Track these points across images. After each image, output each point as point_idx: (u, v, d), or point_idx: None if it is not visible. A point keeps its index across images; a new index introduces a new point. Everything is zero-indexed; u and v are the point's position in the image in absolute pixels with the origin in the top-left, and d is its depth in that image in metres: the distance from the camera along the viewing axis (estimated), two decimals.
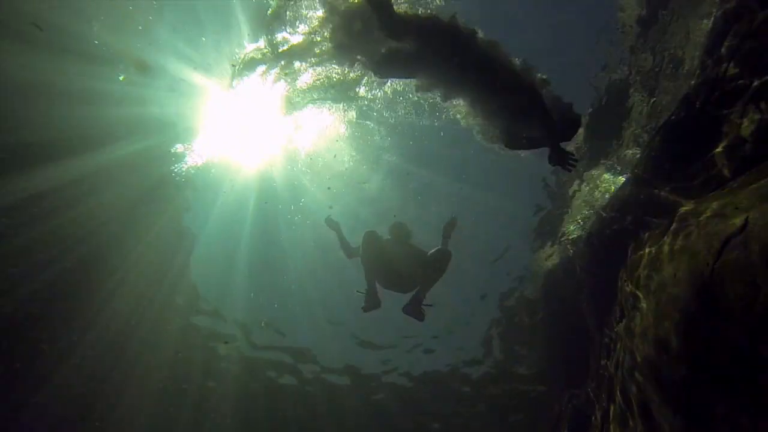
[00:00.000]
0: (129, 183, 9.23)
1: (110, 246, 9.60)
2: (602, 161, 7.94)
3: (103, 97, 8.04)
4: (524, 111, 4.06)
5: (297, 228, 11.26)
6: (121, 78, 7.99)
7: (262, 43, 6.34)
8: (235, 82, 7.21)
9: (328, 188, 9.71)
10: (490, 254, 11.32)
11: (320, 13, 4.67)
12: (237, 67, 6.89)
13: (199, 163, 9.35)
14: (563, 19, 7.34)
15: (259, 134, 8.68)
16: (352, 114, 8.06)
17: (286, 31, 5.51)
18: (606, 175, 7.84)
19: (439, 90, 4.37)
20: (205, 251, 11.80)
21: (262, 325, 13.38)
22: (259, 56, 6.38)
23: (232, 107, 8.12)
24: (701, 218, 3.56)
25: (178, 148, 9.05)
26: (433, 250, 5.12)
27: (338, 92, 7.27)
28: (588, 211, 8.20)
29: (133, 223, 9.79)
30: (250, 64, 6.55)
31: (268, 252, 12.10)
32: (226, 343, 13.05)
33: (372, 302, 5.06)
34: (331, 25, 4.40)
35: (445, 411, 14.84)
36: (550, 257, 9.77)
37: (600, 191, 7.84)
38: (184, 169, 9.48)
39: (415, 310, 5.09)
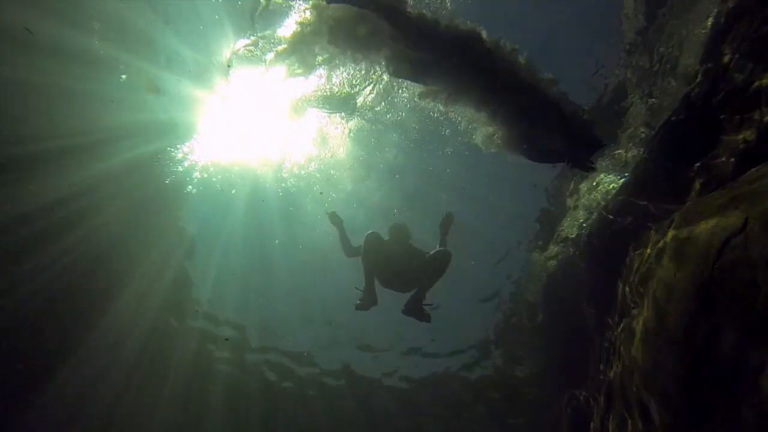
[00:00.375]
0: (128, 185, 9.23)
1: (110, 247, 9.61)
2: (601, 161, 7.92)
3: (104, 101, 8.05)
4: (539, 117, 3.98)
5: (295, 231, 11.21)
6: (123, 77, 8.01)
7: (252, 40, 6.35)
8: (230, 76, 7.20)
9: (320, 193, 9.67)
10: (490, 255, 11.28)
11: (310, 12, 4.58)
12: (231, 67, 6.90)
13: (198, 165, 9.34)
14: (562, 19, 7.34)
15: (257, 136, 8.66)
16: (353, 123, 8.10)
17: (283, 26, 5.47)
18: (605, 175, 7.83)
19: (444, 97, 4.33)
20: (204, 253, 11.78)
21: (260, 328, 13.39)
22: (249, 54, 6.36)
23: (230, 109, 8.12)
24: (701, 218, 3.55)
25: (177, 150, 9.05)
26: (433, 251, 5.08)
27: (337, 103, 7.31)
28: (587, 211, 8.18)
29: (132, 225, 9.80)
30: (243, 60, 6.54)
31: (265, 254, 12.04)
32: (226, 340, 13.04)
33: (369, 300, 5.01)
34: (328, 32, 4.34)
35: (445, 413, 14.82)
36: (550, 258, 9.75)
37: (599, 191, 7.83)
38: (182, 170, 9.47)
39: (416, 310, 5.03)
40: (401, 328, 12.38)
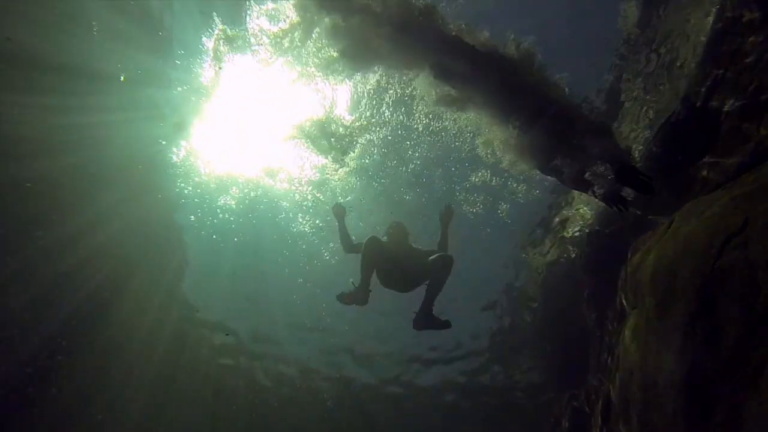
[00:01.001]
0: (126, 194, 9.25)
1: (109, 253, 9.64)
2: None
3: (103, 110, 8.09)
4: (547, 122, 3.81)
5: (293, 239, 11.11)
6: (122, 78, 8.02)
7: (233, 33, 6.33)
8: (221, 75, 7.17)
9: (320, 197, 9.58)
10: (489, 258, 11.18)
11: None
12: (222, 69, 6.87)
13: (195, 170, 9.28)
14: (558, 16, 7.33)
15: (253, 140, 8.57)
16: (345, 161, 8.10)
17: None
18: None
19: (455, 103, 4.25)
20: (200, 261, 11.70)
21: (257, 334, 13.37)
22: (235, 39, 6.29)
23: (225, 112, 8.10)
24: (701, 218, 3.55)
25: (173, 155, 9.02)
26: (433, 256, 4.92)
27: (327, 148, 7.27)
28: (588, 210, 8.18)
29: (130, 232, 9.84)
30: (232, 43, 6.46)
31: (264, 261, 11.89)
32: (227, 335, 13.00)
33: (357, 299, 4.80)
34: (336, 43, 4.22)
35: (444, 419, 14.81)
36: (549, 257, 9.74)
37: None
38: (180, 173, 9.43)
39: (430, 321, 4.83)
40: (399, 337, 12.42)
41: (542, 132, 3.91)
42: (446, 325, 4.84)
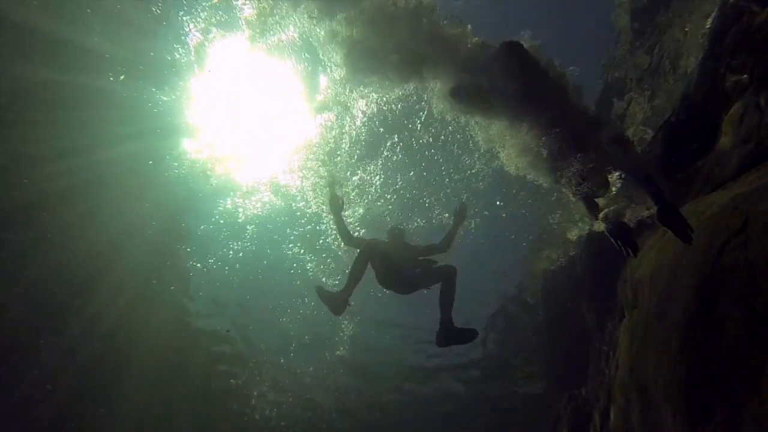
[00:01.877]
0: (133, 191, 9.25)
1: (111, 257, 9.65)
2: None
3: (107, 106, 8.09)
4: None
5: (294, 246, 11.03)
6: (121, 78, 7.99)
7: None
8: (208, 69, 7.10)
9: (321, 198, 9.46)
10: (490, 258, 11.11)
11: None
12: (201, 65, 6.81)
13: (196, 171, 9.24)
14: (561, 19, 7.33)
15: (256, 148, 8.55)
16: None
17: None
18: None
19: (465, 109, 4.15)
20: (200, 265, 11.63)
21: (263, 347, 13.34)
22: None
23: (230, 119, 8.06)
24: (702, 218, 3.54)
25: (174, 156, 8.99)
26: (436, 267, 4.84)
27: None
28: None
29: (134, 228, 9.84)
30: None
31: (261, 269, 11.83)
32: (227, 331, 12.95)
33: (335, 304, 4.52)
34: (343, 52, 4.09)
35: (445, 422, 14.81)
36: (550, 259, 9.74)
37: None
38: (184, 173, 9.38)
39: (453, 336, 4.69)
40: (397, 342, 12.39)
41: (556, 131, 3.82)
42: (472, 334, 4.61)
